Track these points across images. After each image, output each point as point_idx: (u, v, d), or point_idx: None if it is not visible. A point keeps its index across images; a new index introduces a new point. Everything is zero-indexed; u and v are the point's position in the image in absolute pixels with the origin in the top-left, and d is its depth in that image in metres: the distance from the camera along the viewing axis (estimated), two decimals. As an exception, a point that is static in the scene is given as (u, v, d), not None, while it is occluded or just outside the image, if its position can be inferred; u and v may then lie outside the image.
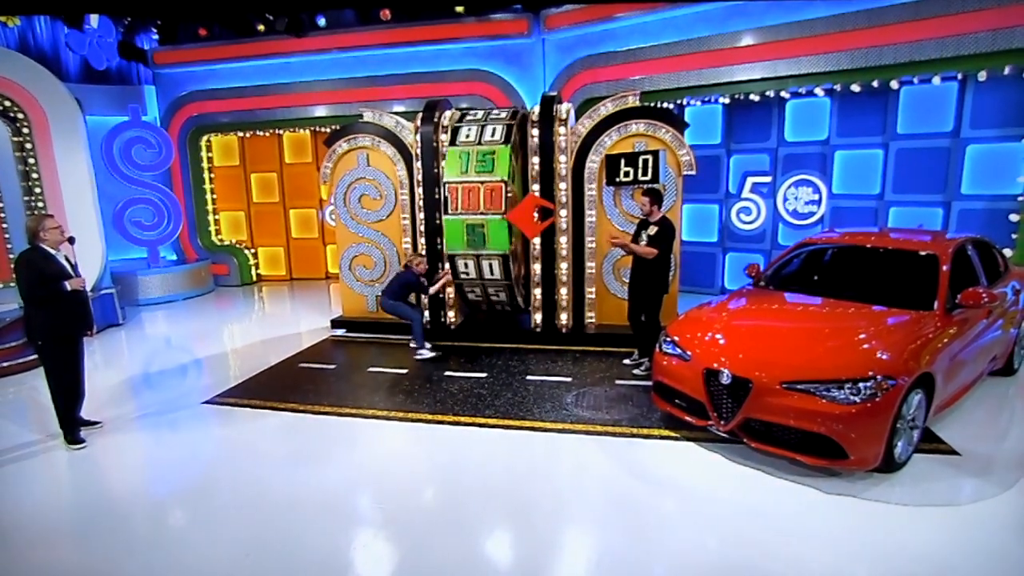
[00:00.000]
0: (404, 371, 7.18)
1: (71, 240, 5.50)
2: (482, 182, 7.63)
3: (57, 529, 4.21)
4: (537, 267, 7.99)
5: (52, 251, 5.32)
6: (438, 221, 8.04)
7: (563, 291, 8.04)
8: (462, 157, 7.73)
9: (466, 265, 7.98)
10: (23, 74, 9.02)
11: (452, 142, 7.88)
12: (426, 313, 8.43)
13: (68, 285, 5.25)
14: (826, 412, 4.22)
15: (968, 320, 5.17)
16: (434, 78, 11.45)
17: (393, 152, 8.34)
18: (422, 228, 8.28)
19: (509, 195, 7.53)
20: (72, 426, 5.50)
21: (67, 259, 5.45)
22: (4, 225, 9.25)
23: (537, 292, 8.06)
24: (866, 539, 3.78)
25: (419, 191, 8.18)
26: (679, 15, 9.51)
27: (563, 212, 7.84)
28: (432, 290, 7.84)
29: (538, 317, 8.13)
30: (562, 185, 7.80)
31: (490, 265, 7.89)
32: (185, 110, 12.85)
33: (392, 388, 6.62)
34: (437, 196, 7.98)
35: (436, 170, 7.98)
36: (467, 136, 7.89)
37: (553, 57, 11.19)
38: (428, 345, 7.70)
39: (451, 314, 8.49)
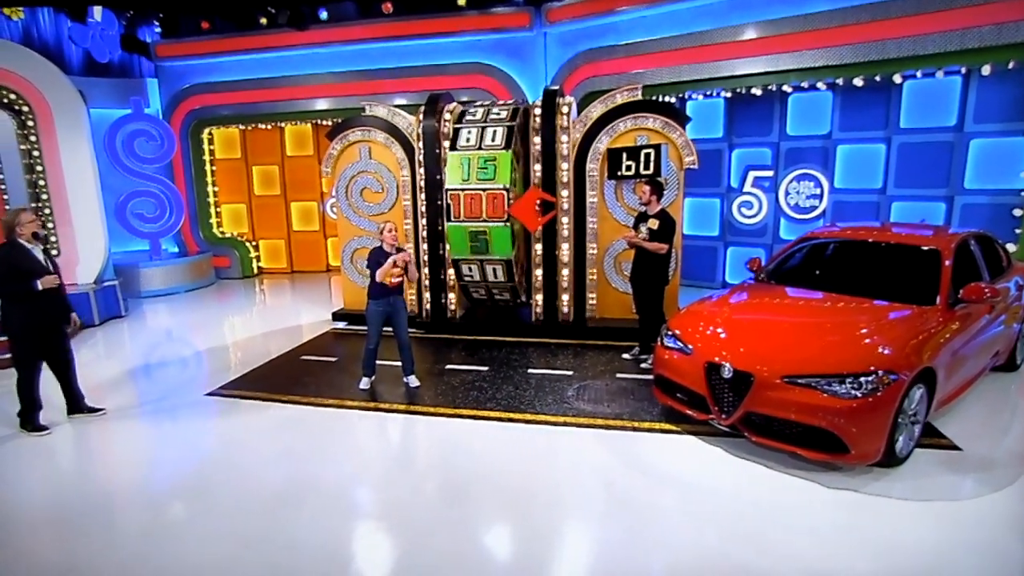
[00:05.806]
0: (406, 364, 7.19)
1: (36, 236, 5.36)
2: (484, 189, 7.49)
3: (56, 518, 4.22)
4: (539, 272, 8.04)
5: (28, 245, 5.30)
6: (440, 227, 8.06)
7: (564, 285, 8.04)
8: (463, 163, 7.60)
9: (470, 269, 8.00)
10: (27, 67, 9.02)
11: (453, 147, 7.74)
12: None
13: (39, 284, 5.21)
14: (827, 406, 4.22)
15: (970, 315, 5.16)
16: (435, 71, 11.42)
17: (399, 149, 8.30)
18: (424, 233, 8.34)
19: (511, 202, 7.47)
20: (33, 415, 5.51)
21: (45, 252, 5.45)
22: (7, 217, 9.27)
23: (539, 297, 8.09)
24: (866, 533, 3.79)
25: (421, 183, 8.19)
26: (681, 9, 9.46)
27: (564, 204, 7.85)
28: (377, 276, 6.11)
29: (539, 311, 8.14)
30: (564, 179, 7.80)
31: (494, 269, 7.91)
32: (187, 103, 12.84)
33: (394, 381, 6.62)
34: (439, 202, 7.98)
35: (440, 172, 7.95)
36: (467, 140, 7.74)
37: (555, 50, 11.15)
38: (365, 382, 6.48)
39: (452, 307, 8.50)
